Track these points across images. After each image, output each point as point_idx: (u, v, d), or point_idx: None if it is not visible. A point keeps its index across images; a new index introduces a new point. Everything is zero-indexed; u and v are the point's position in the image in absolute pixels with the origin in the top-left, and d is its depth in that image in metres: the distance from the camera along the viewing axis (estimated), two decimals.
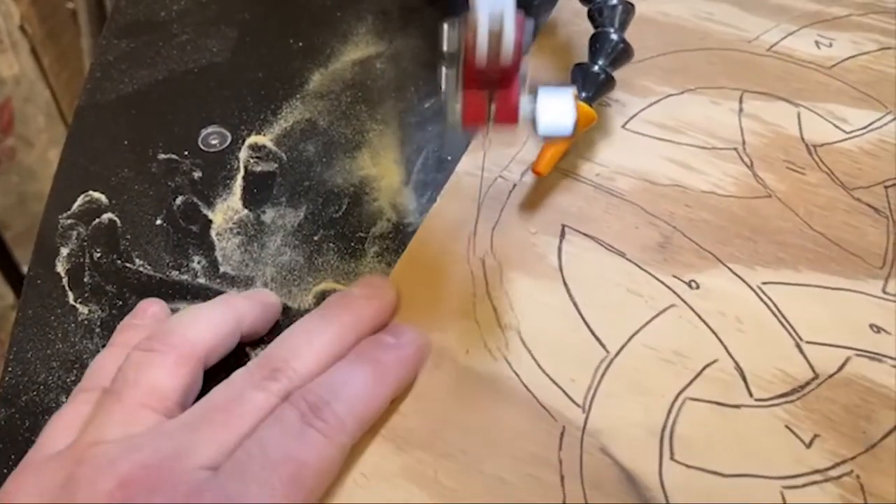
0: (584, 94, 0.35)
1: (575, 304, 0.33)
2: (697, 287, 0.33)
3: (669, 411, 0.30)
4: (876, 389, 0.30)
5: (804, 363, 0.31)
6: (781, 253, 0.34)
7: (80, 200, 0.37)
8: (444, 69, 0.27)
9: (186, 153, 0.38)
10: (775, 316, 0.32)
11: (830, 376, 0.31)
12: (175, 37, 0.44)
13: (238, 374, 0.28)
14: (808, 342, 0.32)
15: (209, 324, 0.29)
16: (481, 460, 0.28)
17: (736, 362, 0.31)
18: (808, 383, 0.31)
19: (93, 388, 0.28)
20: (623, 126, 0.39)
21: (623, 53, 0.36)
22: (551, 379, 0.30)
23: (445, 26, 0.26)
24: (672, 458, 0.29)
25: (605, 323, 0.32)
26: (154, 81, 0.42)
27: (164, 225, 0.36)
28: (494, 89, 0.26)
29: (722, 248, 0.35)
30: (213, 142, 0.39)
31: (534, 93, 0.27)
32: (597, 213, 0.36)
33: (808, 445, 0.29)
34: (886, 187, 0.37)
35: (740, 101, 0.40)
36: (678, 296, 0.33)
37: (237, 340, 0.30)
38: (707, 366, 0.31)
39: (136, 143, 0.39)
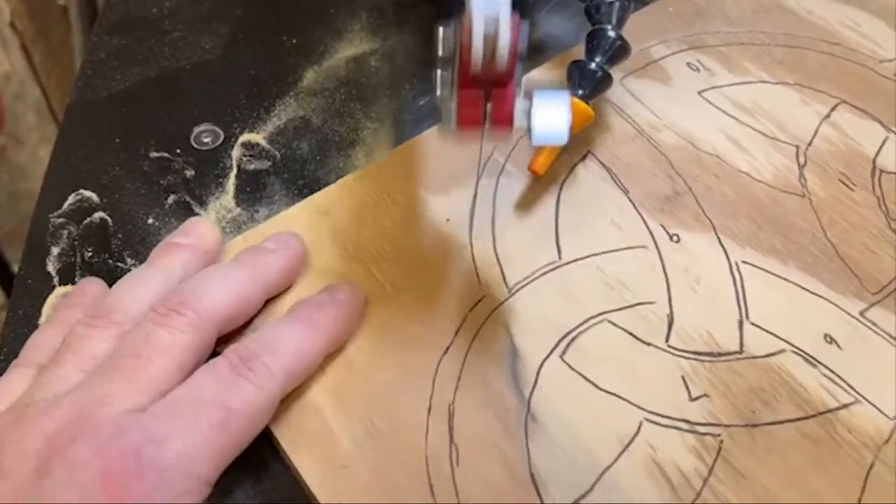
0: (580, 92, 0.35)
1: (556, 214, 0.35)
2: (678, 241, 0.34)
3: (584, 323, 0.32)
4: (791, 385, 0.30)
5: (736, 338, 0.32)
6: (779, 245, 0.34)
7: (71, 199, 0.36)
8: (438, 72, 0.27)
9: (179, 151, 0.38)
10: (735, 290, 0.33)
11: (753, 357, 0.31)
12: (167, 34, 0.43)
13: (145, 318, 0.28)
14: (752, 323, 0.32)
15: (148, 293, 0.30)
16: (404, 300, 0.32)
17: (671, 311, 0.32)
18: (727, 354, 0.31)
19: (29, 364, 0.29)
20: (700, 92, 0.40)
21: (620, 50, 0.36)
22: (497, 259, 0.33)
23: (440, 29, 0.26)
24: (561, 356, 0.31)
25: (573, 236, 0.34)
26: (146, 79, 0.41)
27: (157, 224, 0.35)
28: (489, 93, 0.26)
29: (724, 220, 0.35)
30: (206, 140, 0.38)
31: (529, 96, 0.27)
32: (625, 151, 0.37)
33: (692, 399, 0.30)
34: None
35: (832, 109, 0.39)
36: (654, 241, 0.34)
37: None
38: (642, 304, 0.32)
39: (127, 142, 0.38)
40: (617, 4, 0.36)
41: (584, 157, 0.37)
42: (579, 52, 0.37)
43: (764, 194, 0.36)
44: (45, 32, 0.75)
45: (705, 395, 0.30)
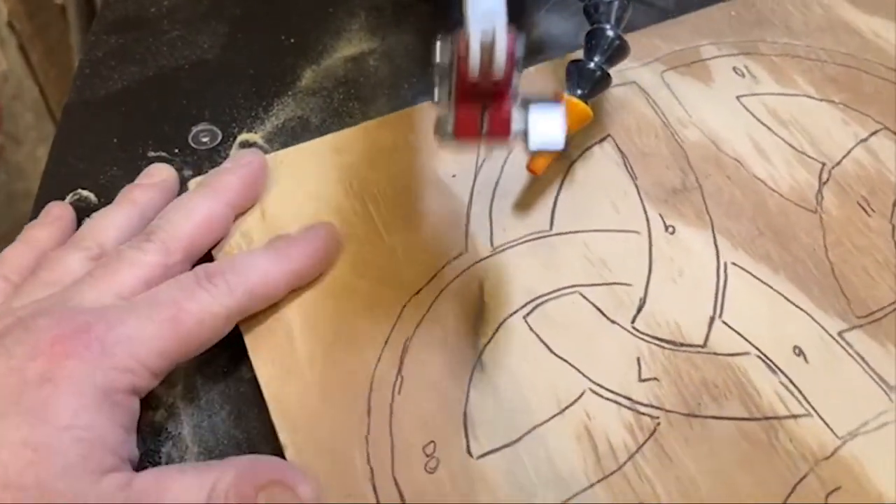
0: (579, 92, 0.34)
1: (559, 188, 0.36)
2: (672, 232, 0.35)
3: (555, 291, 0.33)
4: (746, 387, 0.30)
5: (703, 333, 0.32)
6: (774, 254, 0.34)
7: (68, 199, 0.37)
8: (436, 84, 0.27)
9: (177, 151, 0.38)
10: (717, 289, 0.33)
11: (715, 354, 0.31)
12: (165, 33, 0.43)
13: (123, 245, 0.31)
14: (723, 322, 0.32)
15: (113, 226, 0.32)
16: (392, 241, 0.34)
17: (645, 295, 0.33)
18: (689, 346, 0.31)
19: None
20: (739, 97, 0.40)
21: (619, 50, 0.35)
22: (490, 218, 0.35)
23: (438, 42, 0.27)
24: (525, 317, 0.32)
25: (569, 212, 0.35)
26: (144, 78, 0.41)
27: None
28: (487, 103, 0.26)
29: (724, 220, 0.35)
30: (204, 139, 0.38)
31: (525, 106, 0.27)
32: (646, 141, 0.38)
33: (641, 380, 0.30)
34: None
35: (872, 133, 0.38)
36: (649, 228, 0.35)
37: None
38: (618, 283, 0.33)
39: (125, 141, 0.38)
40: (616, 4, 0.36)
41: (601, 140, 0.38)
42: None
43: (774, 203, 0.36)
44: (42, 32, 0.74)
45: (655, 378, 0.30)
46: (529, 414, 0.29)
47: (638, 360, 0.31)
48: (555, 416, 0.29)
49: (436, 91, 0.27)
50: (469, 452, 0.29)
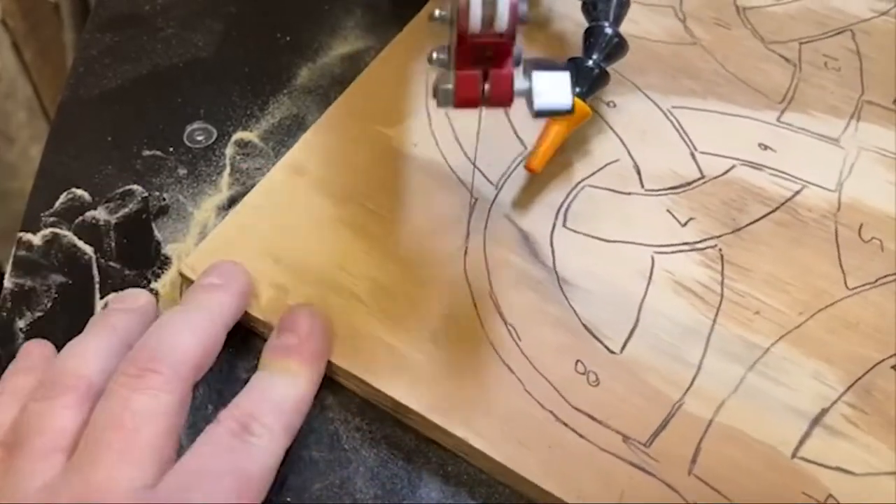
0: (577, 90, 0.34)
1: (508, 115, 0.38)
2: (615, 106, 0.38)
3: (569, 193, 0.35)
4: (752, 189, 0.35)
5: (694, 166, 0.36)
6: (694, 86, 0.39)
7: (62, 198, 0.36)
8: (434, 53, 0.26)
9: (171, 150, 0.38)
10: (676, 130, 0.37)
11: (715, 177, 0.36)
12: (160, 31, 0.43)
13: (113, 384, 0.27)
14: (701, 152, 0.36)
15: (96, 355, 0.28)
16: (405, 218, 0.34)
17: (634, 162, 0.36)
18: (694, 181, 0.35)
19: None
20: None
21: (618, 48, 0.35)
22: (473, 164, 0.36)
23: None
24: (564, 225, 0.34)
25: (529, 128, 0.37)
26: (138, 76, 0.41)
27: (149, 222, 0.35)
28: (488, 67, 0.25)
29: (642, 78, 0.39)
30: (199, 138, 0.38)
31: (529, 75, 0.26)
32: (531, 42, 0.41)
33: (683, 225, 0.34)
34: (801, 43, 0.41)
35: None
36: (595, 110, 0.38)
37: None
38: (609, 163, 0.36)
39: (119, 140, 0.38)
40: (614, 2, 0.35)
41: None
42: None
43: (664, 50, 0.41)
44: (36, 30, 0.72)
45: (692, 218, 0.34)
46: (629, 296, 0.32)
47: (668, 211, 0.34)
48: (648, 286, 0.32)
49: (433, 54, 0.26)
50: (611, 351, 0.30)
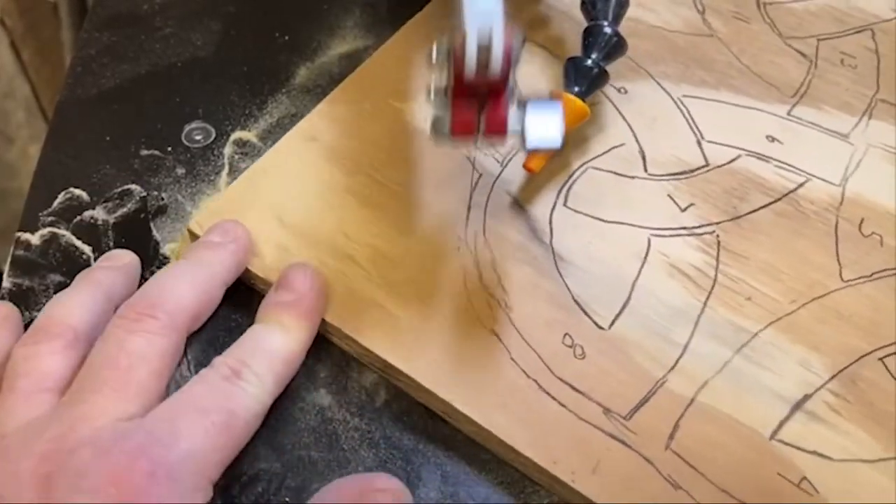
0: (576, 89, 0.34)
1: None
2: (626, 92, 0.39)
3: (572, 174, 0.36)
4: (755, 179, 0.35)
5: (699, 154, 0.36)
6: (707, 76, 0.39)
7: (60, 198, 0.36)
8: (432, 83, 0.27)
9: (170, 149, 0.38)
10: (685, 119, 0.37)
11: (719, 166, 0.36)
12: (158, 30, 0.43)
13: (111, 326, 0.28)
14: (708, 141, 0.37)
15: (81, 307, 0.29)
16: (410, 189, 0.35)
17: (640, 147, 0.36)
18: (698, 168, 0.36)
19: None
20: None
21: (617, 47, 0.35)
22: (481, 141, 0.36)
23: (435, 41, 0.26)
24: (565, 204, 0.34)
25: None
26: (136, 76, 0.40)
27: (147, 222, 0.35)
28: (483, 101, 0.26)
29: (655, 66, 0.40)
30: (198, 137, 0.38)
31: (523, 105, 0.27)
32: (550, 30, 0.41)
33: (683, 210, 0.34)
34: (819, 40, 0.41)
35: None
36: (606, 96, 0.38)
37: (112, 312, 0.30)
38: (615, 147, 0.36)
39: (118, 139, 0.38)
40: (613, 1, 0.36)
41: (523, 42, 0.41)
42: None
43: (681, 41, 0.41)
44: (34, 29, 0.73)
45: (692, 204, 0.35)
46: (623, 276, 0.32)
47: (669, 196, 0.35)
48: (641, 267, 0.33)
49: (431, 89, 0.27)
50: (600, 327, 0.31)
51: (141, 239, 0.35)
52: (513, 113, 0.27)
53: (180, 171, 0.37)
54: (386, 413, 0.30)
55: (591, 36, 0.35)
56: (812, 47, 0.41)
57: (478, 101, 0.26)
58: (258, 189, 0.34)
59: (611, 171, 0.36)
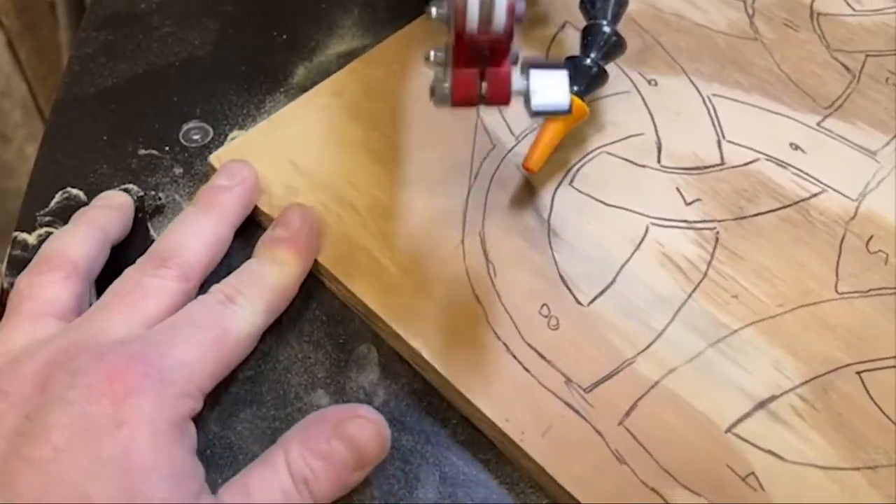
0: (575, 88, 0.34)
1: None
2: (656, 84, 0.39)
3: (585, 156, 0.36)
4: (768, 184, 0.35)
5: (717, 153, 0.36)
6: (742, 79, 0.39)
7: (57, 197, 0.36)
8: (432, 52, 0.27)
9: (167, 149, 0.37)
10: (710, 117, 0.37)
11: (734, 166, 0.36)
12: (155, 29, 0.42)
13: (130, 270, 0.30)
14: (728, 141, 0.37)
15: (80, 242, 0.31)
16: (423, 151, 0.36)
17: (658, 138, 0.37)
18: (712, 166, 0.36)
19: None
20: None
21: (616, 46, 0.35)
22: (501, 113, 0.37)
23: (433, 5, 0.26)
24: (571, 183, 0.35)
25: None
26: (134, 75, 0.40)
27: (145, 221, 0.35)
28: (485, 67, 0.25)
29: (691, 63, 0.40)
30: (195, 137, 0.38)
31: (526, 73, 0.26)
32: None
33: (688, 204, 0.34)
34: (868, 56, 0.40)
35: None
36: (635, 86, 0.39)
37: (109, 250, 0.32)
38: (633, 135, 0.37)
39: (115, 139, 0.38)
40: (612, 0, 0.35)
41: (562, 27, 0.41)
42: None
43: (722, 41, 0.41)
44: (31, 28, 0.73)
45: (698, 199, 0.35)
46: (612, 258, 0.33)
47: (677, 189, 0.35)
48: (633, 252, 0.33)
49: (431, 52, 0.27)
50: (579, 302, 0.31)
51: (138, 239, 0.34)
52: (516, 78, 0.26)
53: (178, 170, 0.37)
54: (384, 414, 0.29)
55: (590, 35, 0.35)
56: (858, 62, 0.40)
57: (479, 65, 0.25)
58: (278, 134, 0.36)
59: (623, 158, 0.36)
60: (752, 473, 0.27)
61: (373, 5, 0.43)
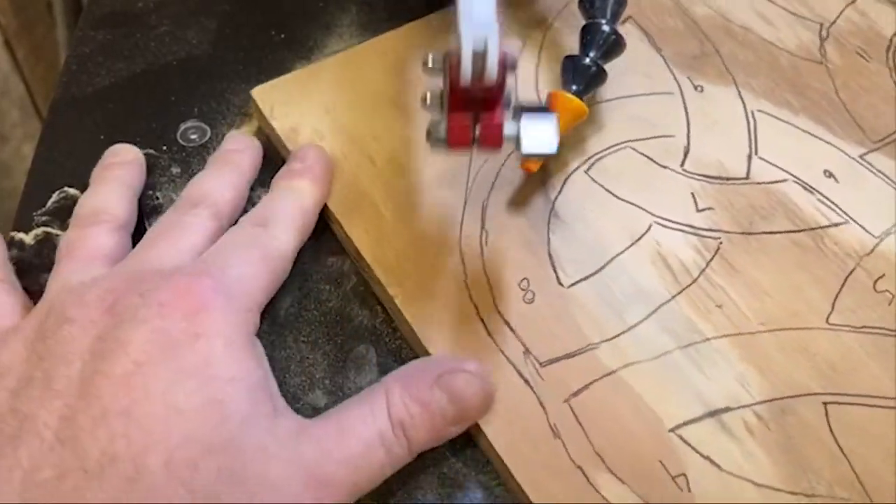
0: (574, 88, 0.34)
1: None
2: (701, 91, 0.38)
3: (609, 148, 0.36)
4: (788, 205, 0.34)
5: (744, 167, 0.36)
6: (793, 99, 0.38)
7: (55, 197, 0.36)
8: (427, 94, 0.28)
9: (165, 148, 0.37)
10: (748, 131, 0.37)
11: (758, 183, 0.35)
12: (153, 28, 0.42)
13: (164, 216, 0.32)
14: (759, 157, 0.36)
15: (116, 195, 0.33)
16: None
17: (688, 143, 0.36)
18: (735, 178, 0.35)
19: None
20: None
21: (615, 45, 0.35)
22: (538, 93, 0.38)
23: (430, 54, 0.27)
24: (586, 171, 0.35)
25: (607, 83, 0.38)
26: (131, 74, 0.40)
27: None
28: (479, 111, 0.26)
29: (744, 77, 0.39)
30: (193, 136, 0.38)
31: (518, 114, 0.27)
32: (660, 18, 0.41)
33: (699, 210, 0.34)
34: None
35: None
36: (680, 89, 0.38)
37: (136, 201, 0.34)
38: (663, 136, 0.37)
39: (113, 138, 0.37)
40: None
41: (624, 21, 0.41)
42: None
43: (785, 60, 0.40)
44: (29, 27, 0.72)
45: (711, 207, 0.34)
46: (606, 248, 0.33)
47: (692, 195, 0.35)
48: (629, 246, 0.33)
49: (427, 96, 0.28)
50: (560, 283, 0.32)
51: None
52: (508, 123, 0.27)
53: (175, 170, 0.37)
54: None
55: (588, 34, 0.35)
56: None
57: (473, 109, 0.27)
58: (319, 79, 0.38)
59: (647, 156, 0.36)
60: (684, 474, 0.27)
61: (370, 4, 0.43)
